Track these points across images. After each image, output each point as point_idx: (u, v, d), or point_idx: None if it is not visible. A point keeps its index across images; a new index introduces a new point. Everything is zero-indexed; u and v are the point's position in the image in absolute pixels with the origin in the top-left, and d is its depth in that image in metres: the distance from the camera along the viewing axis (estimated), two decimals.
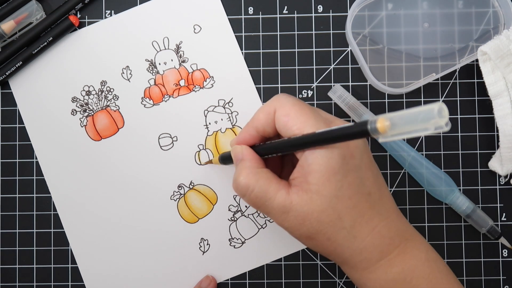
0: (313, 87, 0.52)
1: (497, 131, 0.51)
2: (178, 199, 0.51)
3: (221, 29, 0.52)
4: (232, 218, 0.51)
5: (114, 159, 0.51)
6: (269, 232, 0.51)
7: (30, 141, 0.52)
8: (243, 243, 0.51)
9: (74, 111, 0.52)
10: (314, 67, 0.52)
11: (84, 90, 0.52)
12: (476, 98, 0.52)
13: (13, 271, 0.52)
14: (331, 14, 0.52)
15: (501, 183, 0.51)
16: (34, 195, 0.52)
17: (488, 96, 0.49)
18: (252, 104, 0.52)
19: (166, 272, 0.51)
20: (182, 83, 0.52)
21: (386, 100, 0.52)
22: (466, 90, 0.52)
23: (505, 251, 0.51)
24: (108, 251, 0.51)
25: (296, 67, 0.52)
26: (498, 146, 0.51)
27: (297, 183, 0.39)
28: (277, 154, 0.41)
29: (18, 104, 0.52)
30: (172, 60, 0.52)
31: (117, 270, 0.51)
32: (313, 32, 0.52)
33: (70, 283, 0.52)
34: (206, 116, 0.52)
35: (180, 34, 0.52)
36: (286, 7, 0.52)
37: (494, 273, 0.51)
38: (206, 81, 0.52)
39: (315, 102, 0.52)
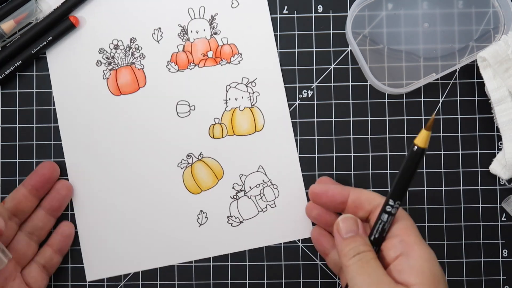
0: (313, 87, 0.52)
1: (497, 131, 0.51)
2: (184, 168, 0.51)
3: (259, 9, 0.52)
4: (235, 197, 0.51)
5: (130, 117, 0.52)
6: (268, 217, 0.51)
7: (30, 142, 0.52)
8: (241, 222, 0.51)
9: (99, 62, 0.52)
10: (314, 67, 0.52)
11: (112, 43, 0.52)
12: (476, 98, 0.52)
13: None
14: (331, 14, 0.52)
15: (501, 183, 0.51)
16: None
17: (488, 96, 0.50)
18: (275, 88, 0.51)
19: (159, 237, 0.51)
20: (210, 54, 0.52)
21: (386, 100, 0.52)
22: (466, 90, 0.52)
23: (505, 251, 0.51)
24: (106, 208, 0.51)
25: (296, 67, 0.52)
26: (498, 147, 0.51)
27: (402, 280, 0.39)
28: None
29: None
30: (204, 30, 0.52)
31: (112, 230, 0.51)
32: (313, 32, 0.52)
33: (70, 283, 0.52)
34: (227, 91, 0.52)
35: (217, 5, 0.52)
36: (286, 7, 0.52)
37: (494, 273, 0.51)
38: (234, 56, 0.52)
39: (315, 102, 0.52)
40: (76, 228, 0.51)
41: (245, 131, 0.52)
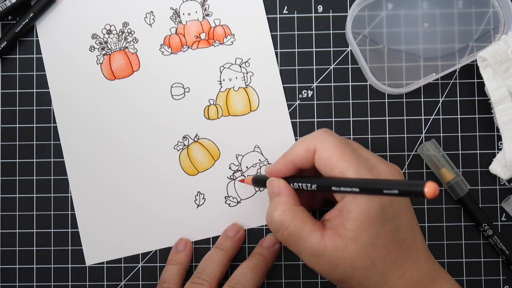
0: (313, 87, 0.52)
1: (497, 131, 0.51)
2: (181, 150, 0.52)
3: None
4: (231, 177, 0.52)
5: (125, 101, 0.52)
6: (265, 196, 0.51)
7: (30, 142, 0.52)
8: (238, 202, 0.51)
9: (92, 48, 0.52)
10: (314, 67, 0.52)
11: (105, 29, 0.52)
12: (476, 98, 0.52)
13: (13, 271, 0.52)
14: (331, 14, 0.52)
15: (501, 183, 0.51)
16: (34, 195, 0.52)
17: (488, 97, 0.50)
18: (268, 67, 0.52)
19: (158, 220, 0.51)
20: (202, 36, 0.52)
21: (386, 100, 0.52)
22: (466, 90, 0.52)
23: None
24: (104, 191, 0.51)
25: (296, 67, 0.52)
26: (498, 147, 0.51)
27: (332, 226, 0.39)
28: (314, 191, 0.41)
29: (38, 34, 0.52)
30: (196, 12, 0.52)
31: (111, 214, 0.51)
32: (313, 32, 0.52)
33: (70, 283, 0.52)
34: (221, 72, 0.52)
35: None
36: (286, 7, 0.52)
37: (494, 273, 0.51)
38: (226, 37, 0.52)
39: (315, 102, 0.52)
40: (74, 212, 0.51)
41: (240, 111, 0.52)
